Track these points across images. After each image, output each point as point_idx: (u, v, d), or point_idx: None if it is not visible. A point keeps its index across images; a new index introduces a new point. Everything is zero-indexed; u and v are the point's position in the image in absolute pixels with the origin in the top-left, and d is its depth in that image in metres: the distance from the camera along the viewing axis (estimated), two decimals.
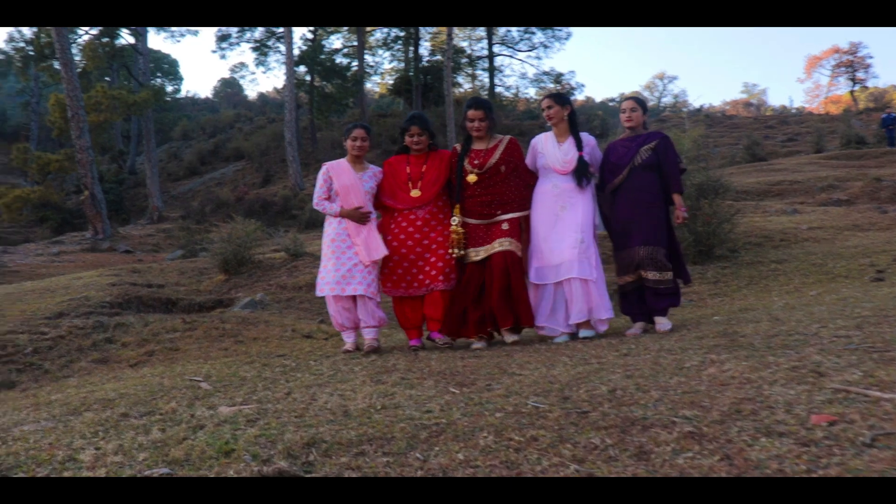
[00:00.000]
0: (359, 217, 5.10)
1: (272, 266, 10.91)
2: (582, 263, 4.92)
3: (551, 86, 41.71)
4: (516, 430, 2.43)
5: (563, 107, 5.20)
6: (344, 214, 5.12)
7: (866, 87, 58.27)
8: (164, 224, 27.66)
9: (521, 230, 5.19)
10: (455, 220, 5.09)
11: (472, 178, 5.11)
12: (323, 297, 5.24)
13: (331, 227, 5.20)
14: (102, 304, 7.93)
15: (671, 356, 3.66)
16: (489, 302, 4.98)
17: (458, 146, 5.29)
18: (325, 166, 5.29)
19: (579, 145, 5.13)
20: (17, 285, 10.82)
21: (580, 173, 5.06)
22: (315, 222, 21.39)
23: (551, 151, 5.14)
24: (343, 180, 5.17)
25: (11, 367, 5.43)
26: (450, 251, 5.07)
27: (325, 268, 5.13)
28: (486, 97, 39.72)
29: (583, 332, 4.96)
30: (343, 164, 5.27)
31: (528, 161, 5.30)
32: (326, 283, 5.06)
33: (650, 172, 5.11)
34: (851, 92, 56.91)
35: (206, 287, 10.28)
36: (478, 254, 5.06)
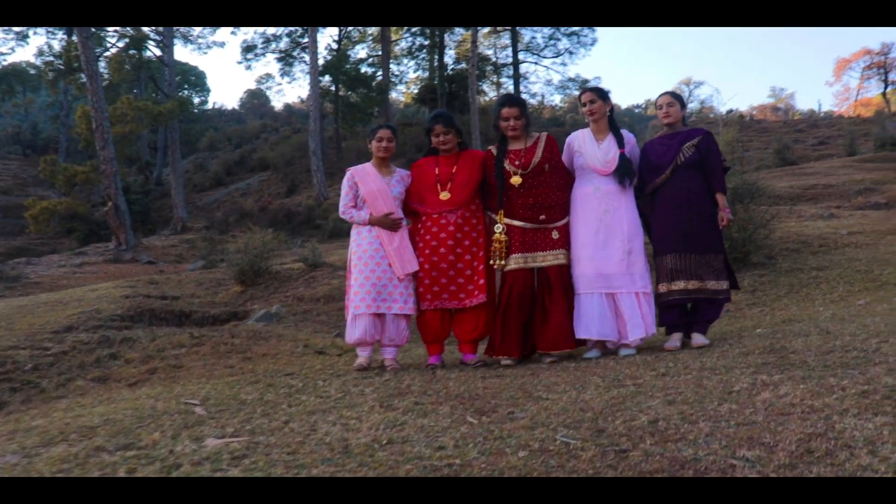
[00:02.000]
0: (390, 224, 4.73)
1: (290, 277, 10.60)
2: (633, 277, 4.59)
3: (577, 93, 41.17)
4: (543, 474, 2.05)
5: (605, 102, 4.84)
6: (374, 222, 4.76)
7: None
8: (187, 234, 27.56)
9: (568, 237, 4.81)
10: (499, 227, 4.68)
11: (515, 179, 4.71)
12: (340, 310, 4.88)
13: (362, 238, 4.80)
14: (113, 317, 7.64)
15: (716, 377, 3.28)
16: (548, 319, 4.60)
17: (492, 148, 4.90)
18: (350, 171, 4.92)
19: (620, 143, 4.75)
20: (33, 297, 10.62)
21: (623, 173, 4.68)
22: (339, 232, 21.00)
23: (590, 150, 4.76)
24: (369, 185, 4.81)
25: (6, 387, 5.13)
26: (491, 262, 4.68)
27: (357, 281, 4.71)
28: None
29: (624, 351, 4.55)
30: (368, 168, 4.91)
31: (563, 160, 4.92)
32: (362, 299, 4.64)
33: (694, 171, 4.74)
34: (884, 93, 55.49)
35: (221, 299, 10.00)
36: (526, 261, 4.66)
